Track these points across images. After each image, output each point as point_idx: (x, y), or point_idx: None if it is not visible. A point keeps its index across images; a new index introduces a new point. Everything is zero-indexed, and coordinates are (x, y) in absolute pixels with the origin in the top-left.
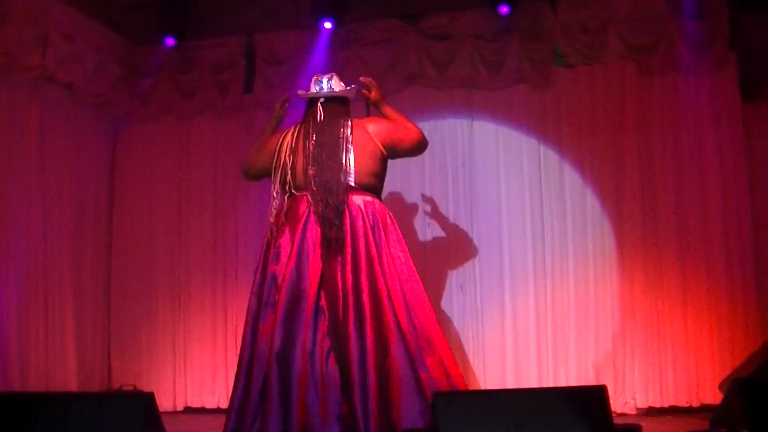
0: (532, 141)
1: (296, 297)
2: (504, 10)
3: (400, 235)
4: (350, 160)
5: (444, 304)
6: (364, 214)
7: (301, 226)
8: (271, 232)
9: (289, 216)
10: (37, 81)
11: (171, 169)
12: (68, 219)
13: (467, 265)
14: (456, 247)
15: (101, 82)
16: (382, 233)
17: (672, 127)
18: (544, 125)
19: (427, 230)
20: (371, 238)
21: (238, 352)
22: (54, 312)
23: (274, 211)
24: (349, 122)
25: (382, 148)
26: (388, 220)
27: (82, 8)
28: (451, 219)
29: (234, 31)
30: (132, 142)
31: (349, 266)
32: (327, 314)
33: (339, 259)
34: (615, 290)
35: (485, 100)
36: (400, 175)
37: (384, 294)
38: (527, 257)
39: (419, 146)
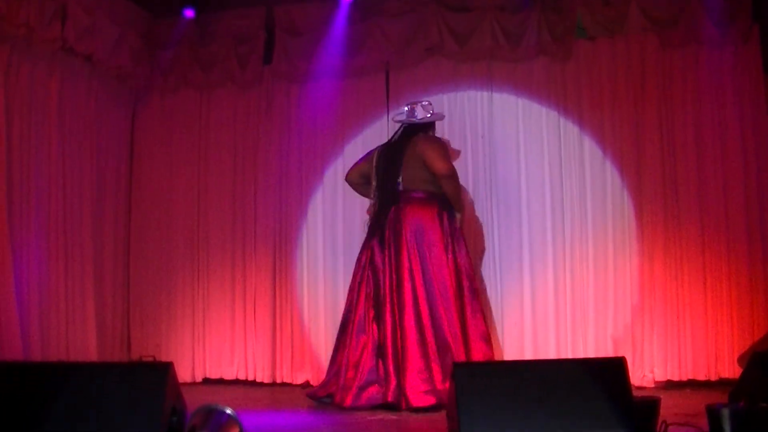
0: (552, 113)
1: (359, 288)
2: None
3: (436, 237)
4: (399, 170)
5: None
6: (410, 221)
7: (370, 230)
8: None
9: (371, 221)
10: (57, 53)
11: (191, 140)
12: (88, 190)
13: (486, 236)
14: (475, 219)
15: (121, 54)
16: (415, 238)
17: (693, 101)
18: (565, 98)
19: None
20: (413, 244)
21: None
22: (74, 284)
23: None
24: (412, 139)
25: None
26: (428, 224)
27: None
28: (471, 191)
29: (254, 2)
30: (152, 113)
31: (392, 265)
32: (371, 301)
33: (386, 256)
34: (634, 263)
35: (505, 73)
36: None
37: (412, 292)
38: (546, 230)
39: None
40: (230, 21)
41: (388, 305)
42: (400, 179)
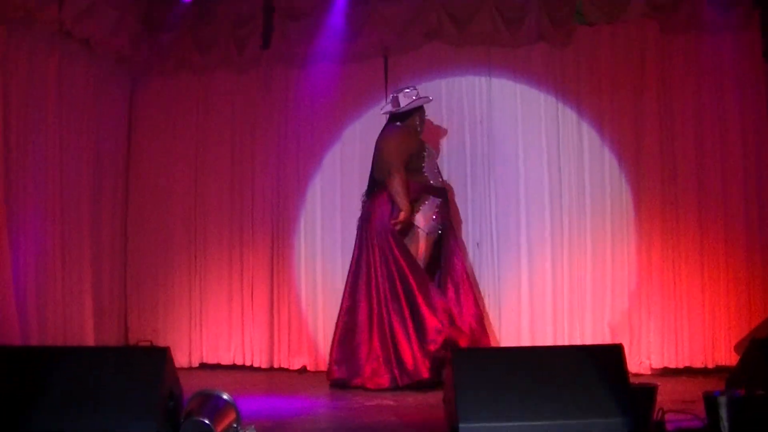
0: (551, 99)
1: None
2: None
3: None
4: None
5: None
6: (376, 211)
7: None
8: None
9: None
10: (56, 36)
11: (189, 123)
12: (86, 174)
13: (484, 222)
14: (473, 205)
15: (120, 36)
16: (382, 227)
17: (693, 86)
18: (564, 83)
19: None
20: (381, 233)
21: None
22: (72, 269)
23: None
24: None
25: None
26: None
27: None
28: (469, 176)
29: None
30: (150, 96)
31: (364, 253)
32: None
33: (359, 247)
34: (632, 249)
35: (504, 58)
36: None
37: (388, 276)
38: (544, 216)
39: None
40: (229, 3)
41: (365, 291)
42: (373, 171)
